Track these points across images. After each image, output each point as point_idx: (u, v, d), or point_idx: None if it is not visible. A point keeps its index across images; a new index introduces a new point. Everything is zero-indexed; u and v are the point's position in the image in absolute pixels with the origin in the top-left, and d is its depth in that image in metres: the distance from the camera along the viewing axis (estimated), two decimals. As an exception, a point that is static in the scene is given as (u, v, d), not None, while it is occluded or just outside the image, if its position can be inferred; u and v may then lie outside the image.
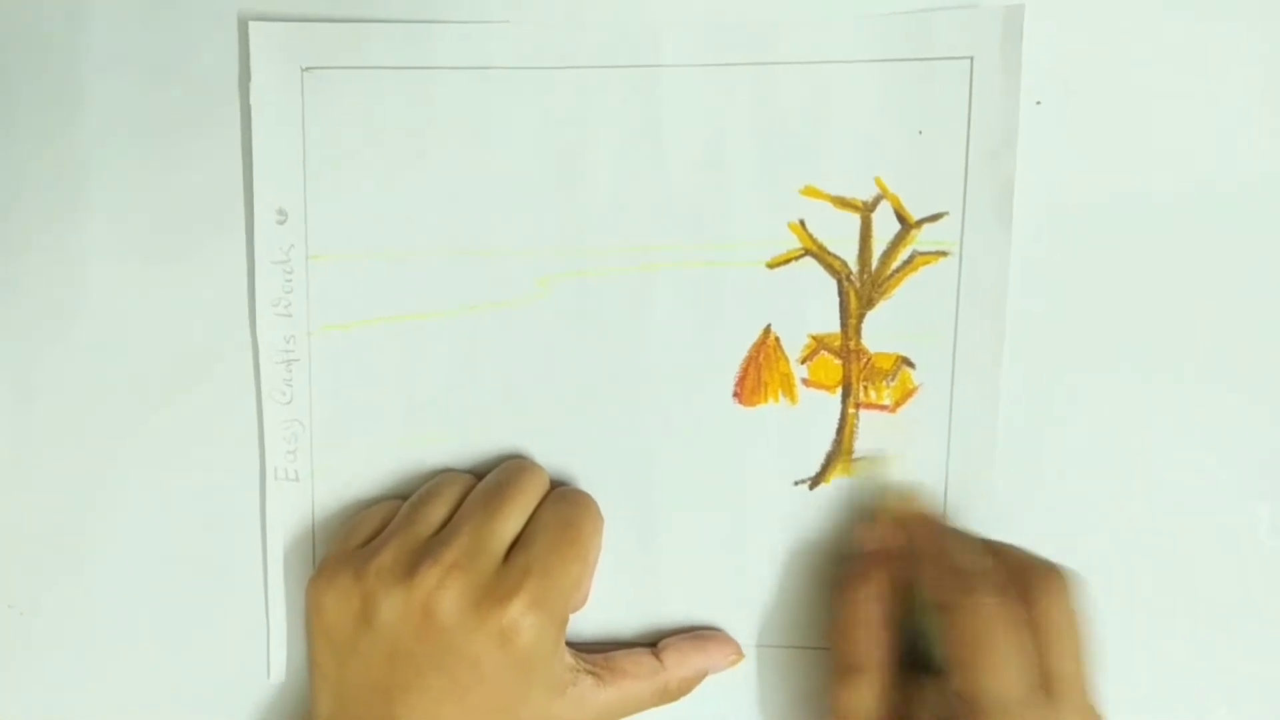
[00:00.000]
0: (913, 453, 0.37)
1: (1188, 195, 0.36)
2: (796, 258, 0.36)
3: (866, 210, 0.36)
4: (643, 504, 0.37)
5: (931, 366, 0.36)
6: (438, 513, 0.35)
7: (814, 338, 0.37)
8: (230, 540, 0.38)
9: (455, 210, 0.37)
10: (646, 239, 0.37)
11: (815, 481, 0.37)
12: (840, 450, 0.37)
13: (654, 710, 0.36)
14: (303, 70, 0.36)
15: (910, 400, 0.37)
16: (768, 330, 0.37)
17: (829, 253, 0.36)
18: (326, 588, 0.34)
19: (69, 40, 0.37)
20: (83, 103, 0.37)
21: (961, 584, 0.33)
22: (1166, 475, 0.37)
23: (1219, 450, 0.37)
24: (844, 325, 0.37)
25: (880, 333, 0.36)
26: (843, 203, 0.36)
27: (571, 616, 0.35)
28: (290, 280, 0.37)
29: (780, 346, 0.37)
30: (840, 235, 0.36)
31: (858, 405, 0.37)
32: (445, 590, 0.33)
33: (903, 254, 0.36)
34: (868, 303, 0.36)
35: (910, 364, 0.36)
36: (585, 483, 0.37)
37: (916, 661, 0.34)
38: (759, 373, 0.37)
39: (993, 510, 0.37)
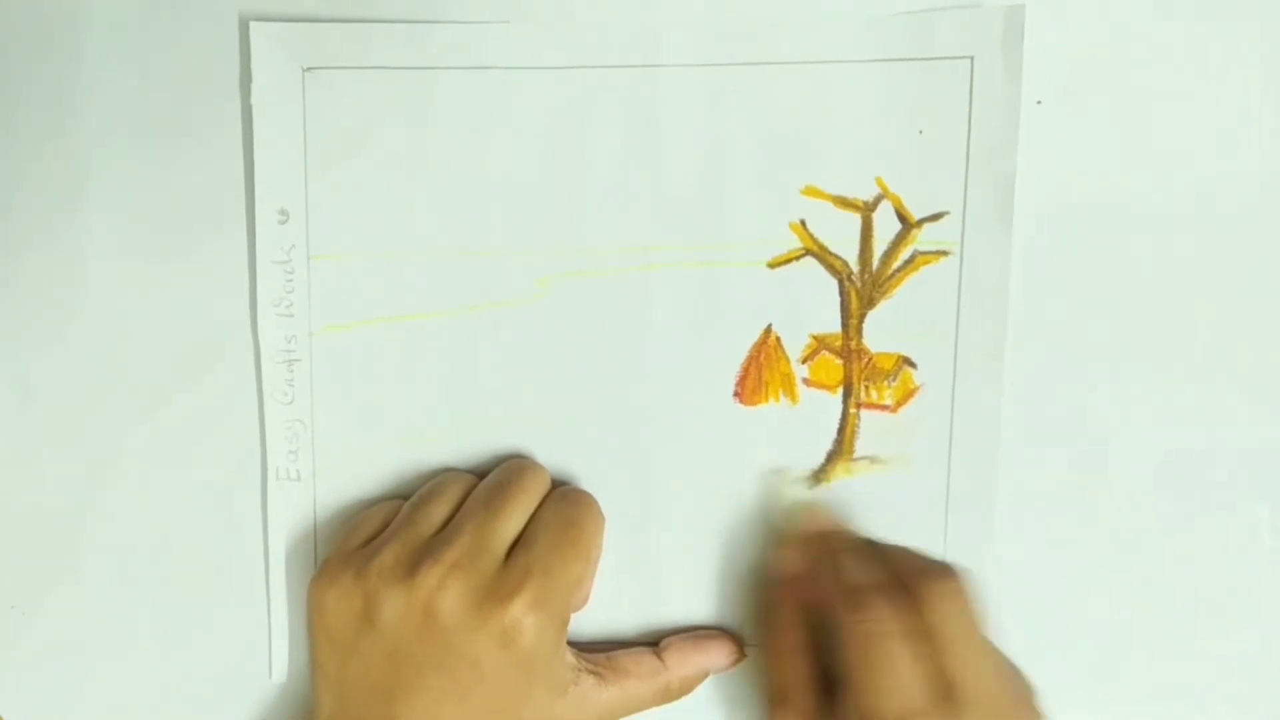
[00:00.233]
0: (914, 453, 0.37)
1: (1188, 195, 0.36)
2: (797, 257, 0.36)
3: (867, 210, 0.36)
4: (644, 504, 0.37)
5: (933, 366, 0.36)
6: (439, 512, 0.35)
7: (815, 337, 0.37)
8: (232, 540, 0.38)
9: (455, 210, 0.37)
10: (646, 239, 0.37)
11: (816, 481, 0.37)
12: (841, 450, 0.37)
13: (655, 710, 0.36)
14: (304, 70, 0.36)
15: (911, 400, 0.37)
16: (769, 330, 0.37)
17: (830, 252, 0.36)
18: (328, 587, 0.34)
19: (69, 40, 0.37)
20: (83, 103, 0.37)
21: (851, 601, 0.32)
22: (1167, 475, 0.37)
23: (1219, 450, 0.37)
24: (845, 325, 0.37)
25: (881, 332, 0.37)
26: (843, 202, 0.36)
27: (573, 616, 0.35)
28: (291, 280, 0.37)
29: (781, 346, 0.37)
30: (841, 235, 0.36)
31: (859, 405, 0.37)
32: (447, 590, 0.33)
33: (904, 254, 0.36)
34: (869, 302, 0.36)
35: (911, 364, 0.37)
36: (586, 482, 0.37)
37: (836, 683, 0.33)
38: (760, 372, 0.37)
39: (994, 509, 0.37)
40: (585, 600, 0.37)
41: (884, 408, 0.37)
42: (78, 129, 0.37)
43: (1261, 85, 0.35)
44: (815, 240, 0.36)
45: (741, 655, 0.37)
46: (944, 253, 0.36)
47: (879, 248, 0.36)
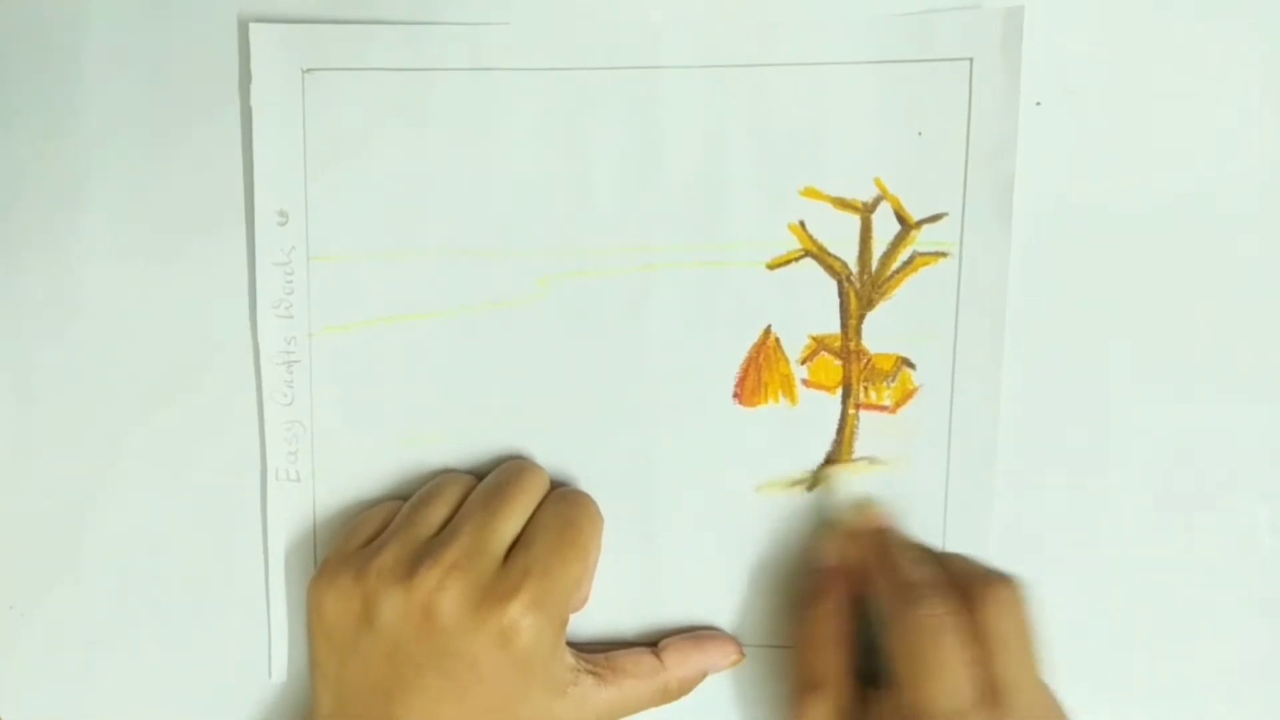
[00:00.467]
0: (913, 453, 0.37)
1: (1187, 195, 0.36)
2: (796, 259, 0.36)
3: (866, 211, 0.36)
4: (643, 504, 0.37)
5: (932, 367, 0.36)
6: (438, 513, 0.35)
7: (814, 338, 0.37)
8: (231, 541, 0.38)
9: (455, 210, 0.37)
10: (646, 239, 0.37)
11: (815, 482, 0.37)
12: (840, 451, 0.37)
13: (654, 710, 0.36)
14: (303, 71, 0.36)
15: (910, 401, 0.37)
16: (768, 331, 0.37)
17: (829, 254, 0.36)
18: (327, 588, 0.34)
19: (69, 40, 0.37)
20: (83, 103, 0.37)
21: (906, 595, 0.33)
22: (1166, 475, 0.37)
23: (1219, 450, 0.37)
24: (844, 326, 0.37)
25: (880, 333, 0.37)
26: (843, 204, 0.36)
27: (572, 616, 0.35)
28: (291, 281, 0.37)
29: (780, 347, 0.37)
30: (840, 236, 0.36)
31: (858, 406, 0.37)
32: (445, 591, 0.33)
33: (903, 255, 0.36)
34: (868, 303, 0.36)
35: (910, 365, 0.37)
36: (585, 483, 0.38)
37: (872, 675, 0.34)
38: (759, 373, 0.37)
39: (993, 510, 0.37)
40: (584, 601, 0.37)
41: (883, 409, 0.37)
42: (78, 129, 0.37)
43: (1261, 85, 0.35)
44: (814, 241, 0.36)
45: (740, 655, 0.37)
46: (943, 254, 0.36)
47: (878, 249, 0.36)
